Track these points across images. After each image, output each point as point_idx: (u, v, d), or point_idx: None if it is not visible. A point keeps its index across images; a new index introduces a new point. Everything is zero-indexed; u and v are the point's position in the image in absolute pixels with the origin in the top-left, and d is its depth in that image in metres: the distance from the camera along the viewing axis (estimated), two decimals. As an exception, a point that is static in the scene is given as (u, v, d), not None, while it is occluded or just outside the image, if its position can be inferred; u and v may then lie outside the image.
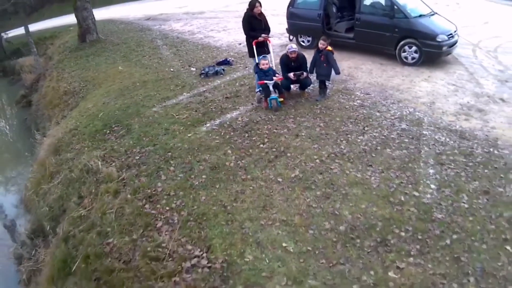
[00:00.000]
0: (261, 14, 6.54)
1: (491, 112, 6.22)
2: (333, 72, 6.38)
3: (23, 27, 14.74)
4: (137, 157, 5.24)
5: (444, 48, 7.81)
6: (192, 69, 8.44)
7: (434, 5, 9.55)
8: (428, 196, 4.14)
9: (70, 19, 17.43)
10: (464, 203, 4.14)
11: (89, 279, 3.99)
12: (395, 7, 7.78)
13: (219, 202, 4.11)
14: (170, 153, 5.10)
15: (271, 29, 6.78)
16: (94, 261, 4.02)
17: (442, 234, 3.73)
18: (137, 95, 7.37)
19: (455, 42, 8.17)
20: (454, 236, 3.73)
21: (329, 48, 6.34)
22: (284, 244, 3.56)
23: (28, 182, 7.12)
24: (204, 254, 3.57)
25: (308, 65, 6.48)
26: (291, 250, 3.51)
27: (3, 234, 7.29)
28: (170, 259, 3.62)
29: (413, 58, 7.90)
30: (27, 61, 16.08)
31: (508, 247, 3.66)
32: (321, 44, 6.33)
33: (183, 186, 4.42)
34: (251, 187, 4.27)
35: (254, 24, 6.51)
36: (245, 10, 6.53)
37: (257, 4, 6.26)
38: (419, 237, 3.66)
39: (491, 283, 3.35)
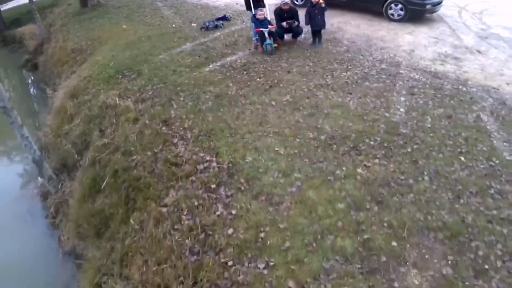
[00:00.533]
0: None
1: (466, 60, 6.98)
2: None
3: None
4: (150, 93, 6.05)
5: (428, 6, 8.48)
6: (193, 24, 9.11)
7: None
8: (397, 116, 5.02)
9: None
10: (427, 123, 5.00)
11: (119, 190, 4.83)
12: (383, -32, 8.39)
13: (224, 121, 4.98)
14: (179, 88, 5.92)
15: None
16: (122, 174, 4.88)
17: (405, 145, 4.60)
18: (144, 47, 8.07)
19: (439, 2, 8.81)
20: (415, 146, 4.59)
21: (321, 1, 7.04)
22: (276, 149, 4.45)
23: (46, 128, 7.91)
24: (214, 159, 4.45)
25: (302, 17, 7.20)
26: (282, 153, 4.40)
27: (27, 178, 8.16)
28: (187, 164, 4.50)
29: (398, 15, 8.58)
30: (27, 30, 16.56)
31: (462, 158, 4.48)
32: None
33: (193, 111, 5.27)
34: (250, 109, 5.14)
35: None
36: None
37: None
38: (385, 145, 4.55)
39: (443, 182, 4.17)
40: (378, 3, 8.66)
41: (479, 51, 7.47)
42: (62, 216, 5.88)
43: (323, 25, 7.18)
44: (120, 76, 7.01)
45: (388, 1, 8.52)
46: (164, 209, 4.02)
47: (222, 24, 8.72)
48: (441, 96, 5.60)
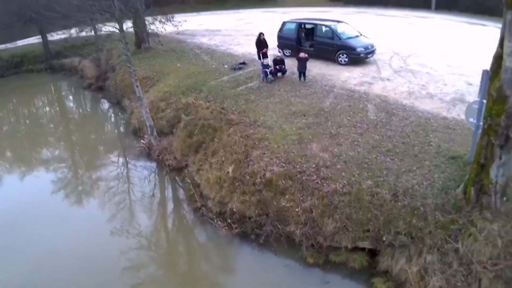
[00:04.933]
0: (264, 39, 17.61)
1: (376, 84, 16.92)
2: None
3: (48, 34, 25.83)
4: (211, 98, 15.82)
5: (362, 55, 18.76)
6: (225, 66, 19.38)
7: (393, 23, 20.92)
8: (326, 105, 14.77)
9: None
10: (338, 108, 14.64)
11: (206, 131, 14.40)
12: (335, 34, 18.73)
13: (250, 108, 14.85)
14: (226, 96, 15.76)
15: (269, 46, 17.92)
16: (205, 126, 14.41)
17: (325, 114, 14.24)
18: (198, 77, 18.12)
19: (371, 52, 19.17)
20: (329, 115, 14.19)
21: (305, 56, 17.07)
22: (272, 116, 14.15)
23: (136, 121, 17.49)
24: (247, 119, 14.12)
25: (287, 63, 17.27)
26: (274, 116, 14.17)
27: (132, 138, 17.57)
28: (236, 120, 14.03)
29: (344, 61, 18.83)
30: (79, 62, 26.94)
31: (349, 117, 13.94)
32: (303, 55, 17.06)
33: (235, 105, 15.15)
34: (261, 104, 15.13)
35: (261, 44, 17.82)
36: (256, 35, 17.74)
37: (262, 35, 17.43)
38: (316, 114, 14.17)
39: (336, 123, 13.62)
40: (332, 53, 18.95)
41: (388, 79, 17.40)
42: (163, 155, 15.28)
43: (305, 68, 17.16)
44: (190, 92, 16.85)
45: (338, 52, 18.71)
46: (230, 132, 13.51)
47: (243, 66, 18.79)
48: (350, 98, 15.36)
